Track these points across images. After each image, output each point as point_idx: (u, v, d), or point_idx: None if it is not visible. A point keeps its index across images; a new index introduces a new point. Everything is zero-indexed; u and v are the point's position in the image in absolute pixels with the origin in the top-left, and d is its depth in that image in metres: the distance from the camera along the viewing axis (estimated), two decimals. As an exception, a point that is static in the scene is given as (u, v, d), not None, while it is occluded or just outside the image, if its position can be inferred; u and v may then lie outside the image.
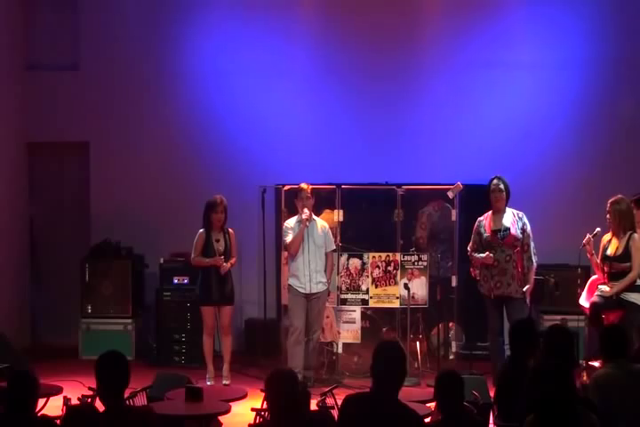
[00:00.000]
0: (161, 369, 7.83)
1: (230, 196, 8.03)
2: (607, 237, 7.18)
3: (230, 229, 7.93)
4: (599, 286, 7.21)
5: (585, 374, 6.48)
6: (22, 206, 9.78)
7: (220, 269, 7.74)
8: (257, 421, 5.28)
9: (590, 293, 7.42)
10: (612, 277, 7.06)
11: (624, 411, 4.74)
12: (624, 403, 4.76)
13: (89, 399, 5.29)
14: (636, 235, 7.00)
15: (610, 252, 7.06)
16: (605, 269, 7.10)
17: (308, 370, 7.80)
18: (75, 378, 7.63)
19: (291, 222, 7.90)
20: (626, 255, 6.97)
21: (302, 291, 7.77)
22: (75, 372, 8.09)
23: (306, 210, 7.73)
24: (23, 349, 8.96)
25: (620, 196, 7.12)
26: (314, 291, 7.78)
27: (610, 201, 7.09)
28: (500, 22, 9.36)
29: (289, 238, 7.82)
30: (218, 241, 7.82)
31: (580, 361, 7.50)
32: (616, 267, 7.00)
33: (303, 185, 7.84)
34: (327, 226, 7.98)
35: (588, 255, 7.24)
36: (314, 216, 7.88)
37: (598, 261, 7.19)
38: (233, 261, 7.90)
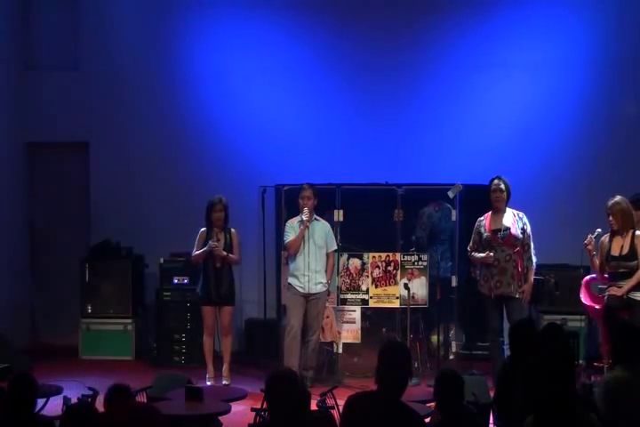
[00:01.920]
0: (161, 369, 7.85)
1: (230, 196, 8.03)
2: (606, 238, 7.18)
3: (233, 229, 7.94)
4: (600, 286, 7.21)
5: (585, 374, 6.49)
6: (22, 206, 9.78)
7: (214, 251, 7.73)
8: (257, 421, 5.28)
9: (587, 292, 7.43)
10: (618, 276, 7.02)
11: (634, 415, 4.67)
12: (635, 407, 4.67)
13: (89, 399, 5.29)
14: (638, 232, 7.00)
15: (614, 252, 7.05)
16: (608, 269, 7.09)
17: (306, 370, 7.80)
18: (75, 378, 7.63)
19: (292, 222, 7.91)
20: (632, 254, 6.96)
21: (302, 291, 7.78)
22: (75, 372, 8.09)
23: (306, 211, 7.74)
24: (23, 349, 8.96)
25: (618, 196, 7.11)
26: (313, 291, 7.79)
27: (610, 203, 7.07)
28: (502, 21, 9.34)
29: (289, 238, 7.82)
30: (218, 240, 7.83)
31: (581, 361, 7.50)
32: (624, 266, 6.98)
33: (305, 185, 7.85)
34: (329, 226, 7.99)
35: (589, 255, 7.23)
36: (316, 217, 7.89)
37: (598, 261, 7.19)
38: (236, 257, 7.88)
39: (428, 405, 5.60)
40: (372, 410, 4.11)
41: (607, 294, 7.03)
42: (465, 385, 4.46)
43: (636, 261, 6.94)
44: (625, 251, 6.99)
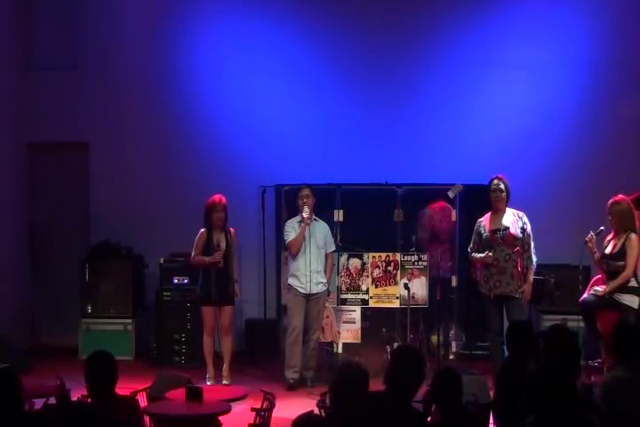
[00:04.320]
0: (161, 369, 7.84)
1: (230, 196, 8.03)
2: (609, 237, 7.19)
3: (231, 229, 7.93)
4: (594, 287, 7.21)
5: (585, 374, 6.47)
6: (22, 206, 9.77)
7: (218, 263, 7.76)
8: (257, 421, 5.28)
9: (589, 291, 7.42)
10: (611, 276, 7.05)
11: (634, 415, 4.66)
12: (635, 407, 4.66)
13: (88, 400, 5.28)
14: (633, 234, 7.00)
15: (607, 251, 7.07)
16: (604, 267, 7.11)
17: (307, 370, 7.81)
18: (75, 378, 7.61)
19: (292, 222, 7.92)
20: (621, 254, 6.97)
21: (302, 291, 7.78)
22: (75, 372, 8.06)
23: (306, 209, 7.74)
24: (23, 349, 8.95)
25: (620, 196, 7.12)
26: (314, 291, 7.79)
27: (610, 202, 7.09)
28: (502, 20, 9.32)
29: (290, 237, 7.83)
30: (219, 242, 7.82)
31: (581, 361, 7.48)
32: (612, 265, 7.01)
33: (302, 186, 7.87)
34: (328, 227, 8.00)
35: (590, 253, 7.24)
36: (315, 217, 7.89)
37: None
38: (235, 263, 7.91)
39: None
40: (380, 410, 4.13)
41: (590, 292, 7.08)
42: (465, 385, 4.46)
43: (622, 262, 6.95)
44: (615, 250, 7.01)
